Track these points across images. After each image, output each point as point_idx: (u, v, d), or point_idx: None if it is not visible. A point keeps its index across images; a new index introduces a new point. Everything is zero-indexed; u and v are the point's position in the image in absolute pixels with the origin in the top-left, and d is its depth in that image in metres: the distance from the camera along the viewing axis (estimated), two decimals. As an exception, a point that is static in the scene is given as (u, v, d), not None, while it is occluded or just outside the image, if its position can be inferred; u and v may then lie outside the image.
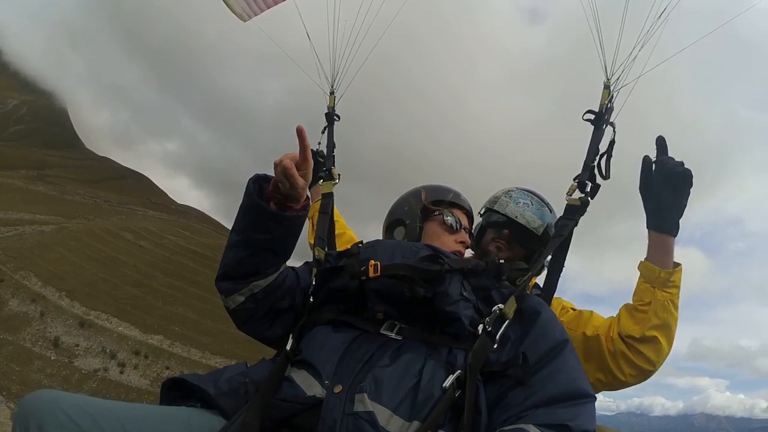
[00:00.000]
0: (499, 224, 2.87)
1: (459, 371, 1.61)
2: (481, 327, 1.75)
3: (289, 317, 2.09)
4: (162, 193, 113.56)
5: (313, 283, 2.13)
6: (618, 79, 2.48)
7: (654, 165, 2.34)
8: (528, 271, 2.09)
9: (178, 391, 1.81)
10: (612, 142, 2.46)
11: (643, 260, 2.40)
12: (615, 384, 2.36)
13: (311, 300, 2.10)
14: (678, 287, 2.34)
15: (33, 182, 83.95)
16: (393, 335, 1.78)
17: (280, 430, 1.59)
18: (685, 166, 2.24)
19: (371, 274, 1.86)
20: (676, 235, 2.32)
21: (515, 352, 1.71)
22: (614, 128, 2.47)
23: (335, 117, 3.18)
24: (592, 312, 2.52)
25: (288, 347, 1.90)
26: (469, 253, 2.62)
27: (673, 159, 2.32)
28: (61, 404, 1.41)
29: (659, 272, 2.30)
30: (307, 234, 3.11)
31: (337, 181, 2.94)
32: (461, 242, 2.36)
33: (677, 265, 2.35)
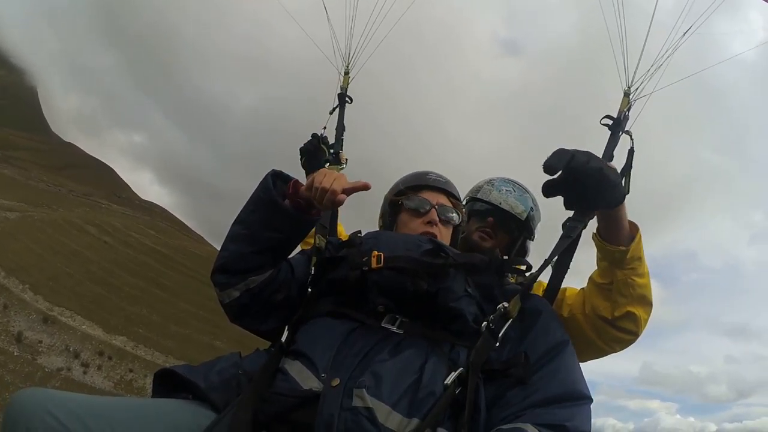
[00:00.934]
0: (482, 212, 2.88)
1: (461, 369, 1.60)
2: (484, 325, 1.73)
3: (285, 309, 2.05)
4: (126, 187, 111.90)
5: (312, 272, 2.10)
6: (637, 89, 2.46)
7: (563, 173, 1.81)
8: (533, 271, 2.09)
9: (170, 383, 1.78)
10: (631, 151, 2.40)
11: (594, 232, 2.16)
12: (601, 354, 2.29)
13: (309, 290, 2.07)
14: (639, 257, 2.12)
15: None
16: (394, 329, 1.75)
17: (275, 425, 1.55)
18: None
19: (374, 265, 1.83)
20: (623, 200, 1.99)
21: (515, 351, 1.71)
22: (632, 137, 2.43)
23: (347, 99, 3.10)
24: (565, 289, 2.35)
25: (283, 339, 1.88)
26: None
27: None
28: (49, 406, 1.40)
29: (614, 252, 2.07)
30: None
31: (344, 165, 2.88)
32: (428, 222, 2.25)
33: (634, 232, 2.09)
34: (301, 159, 3.04)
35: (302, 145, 3.00)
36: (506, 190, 2.92)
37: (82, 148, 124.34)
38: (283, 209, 1.97)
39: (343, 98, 3.09)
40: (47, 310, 46.74)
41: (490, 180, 3.01)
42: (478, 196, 2.94)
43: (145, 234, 68.27)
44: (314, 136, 2.96)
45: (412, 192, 2.36)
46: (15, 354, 42.63)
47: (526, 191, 2.97)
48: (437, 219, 2.26)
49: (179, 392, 1.74)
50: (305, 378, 1.62)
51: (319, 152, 2.94)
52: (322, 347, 1.69)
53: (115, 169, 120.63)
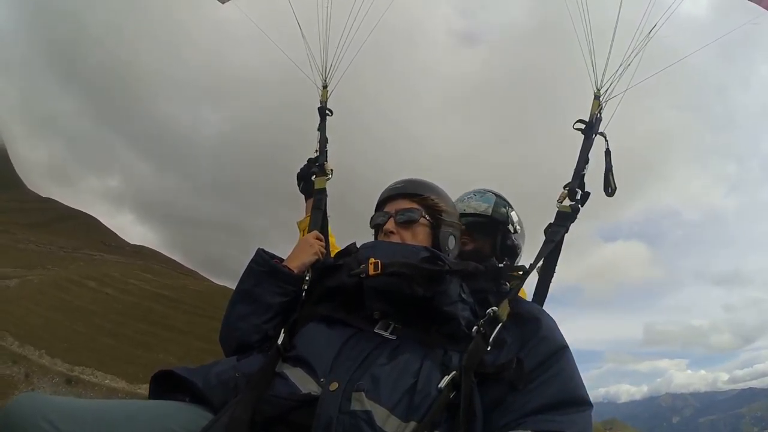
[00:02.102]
0: None
1: (454, 372, 1.60)
2: (475, 329, 1.74)
3: (279, 320, 2.10)
4: (112, 234, 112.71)
5: (307, 278, 2.16)
6: (607, 90, 2.47)
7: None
8: (521, 276, 2.11)
9: (167, 385, 1.80)
10: (608, 153, 2.47)
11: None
12: None
13: (304, 296, 2.12)
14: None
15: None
16: (387, 335, 1.76)
17: (273, 427, 1.57)
18: None
19: (371, 272, 1.83)
20: None
21: (512, 356, 1.69)
22: (606, 138, 2.47)
23: (327, 111, 3.07)
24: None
25: (280, 341, 1.90)
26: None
27: None
28: (44, 411, 1.40)
29: None
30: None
31: (330, 176, 2.85)
32: (384, 233, 2.20)
33: None
34: (298, 184, 3.09)
35: (299, 170, 3.06)
36: (468, 198, 2.99)
37: (60, 201, 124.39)
38: (286, 273, 2.10)
39: (323, 112, 3.07)
40: (68, 371, 48.25)
41: (458, 199, 3.01)
42: None
43: (143, 279, 69.80)
44: (309, 160, 2.99)
45: (377, 211, 2.32)
46: (46, 419, 44.09)
47: (488, 191, 3.01)
48: (390, 228, 2.17)
49: (176, 394, 1.76)
50: (305, 382, 1.63)
51: (311, 175, 2.95)
52: (322, 353, 1.70)
53: (96, 217, 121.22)
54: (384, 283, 1.82)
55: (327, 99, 3.10)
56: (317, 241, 2.34)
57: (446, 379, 1.59)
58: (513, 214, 2.96)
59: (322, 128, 3.05)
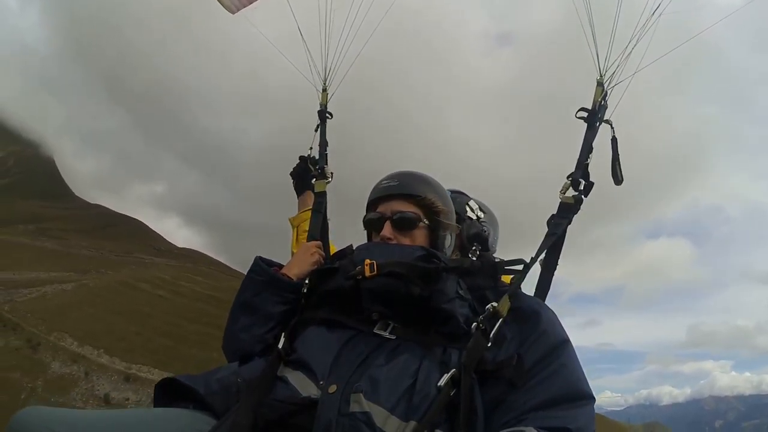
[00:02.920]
0: None
1: (453, 370, 1.58)
2: (474, 325, 1.70)
3: (281, 328, 2.07)
4: (160, 238, 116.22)
5: (306, 282, 2.13)
6: (611, 76, 2.42)
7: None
8: (522, 270, 2.05)
9: (171, 393, 1.79)
10: (614, 140, 2.41)
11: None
12: None
13: (304, 300, 2.10)
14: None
15: (35, 237, 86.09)
16: (387, 335, 1.75)
17: (274, 430, 1.55)
18: None
19: (367, 273, 1.81)
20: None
21: (512, 352, 1.68)
22: (612, 126, 2.41)
23: (327, 114, 3.02)
24: None
25: (280, 345, 1.91)
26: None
27: None
28: (50, 423, 1.41)
29: None
30: (291, 243, 3.13)
31: (330, 179, 2.82)
32: (380, 238, 2.09)
33: None
34: (292, 182, 3.13)
35: (291, 169, 3.10)
36: None
37: (108, 206, 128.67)
38: (285, 282, 2.07)
39: (323, 115, 3.00)
40: (126, 370, 50.32)
41: None
42: None
43: (192, 281, 71.91)
44: (301, 158, 3.02)
45: (370, 208, 2.23)
46: (107, 415, 45.48)
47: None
48: (388, 233, 2.10)
49: (180, 401, 1.76)
50: (305, 386, 1.62)
51: (306, 173, 2.98)
52: (321, 356, 1.69)
53: (144, 221, 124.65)
54: (380, 284, 1.81)
55: (327, 102, 3.02)
56: (317, 249, 2.30)
57: (445, 377, 1.57)
58: (470, 202, 2.80)
59: (322, 131, 2.98)
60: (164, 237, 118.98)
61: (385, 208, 2.13)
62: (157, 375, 49.20)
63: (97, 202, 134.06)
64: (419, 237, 2.10)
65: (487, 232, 2.75)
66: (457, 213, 2.57)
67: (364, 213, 2.25)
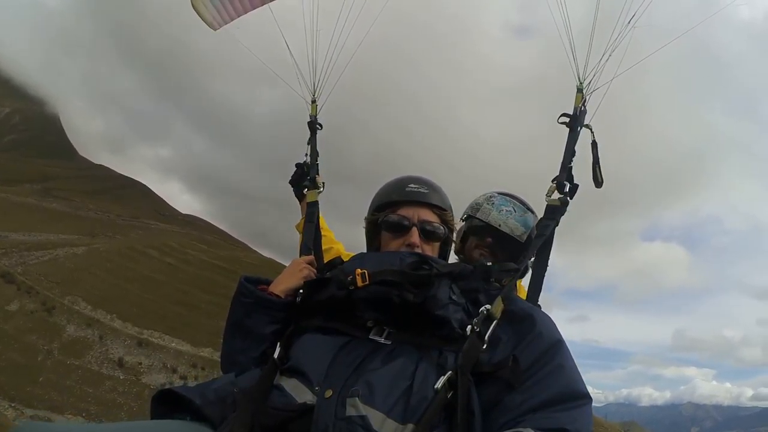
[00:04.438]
0: (482, 232, 2.86)
1: (450, 372, 1.59)
2: (469, 328, 1.72)
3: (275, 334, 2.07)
4: (163, 202, 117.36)
5: (300, 292, 2.11)
6: (590, 83, 2.46)
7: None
8: (514, 273, 2.04)
9: (168, 404, 1.77)
10: (594, 144, 2.45)
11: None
12: None
13: (298, 310, 2.06)
14: None
15: (42, 197, 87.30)
16: (382, 340, 1.75)
17: None
18: None
19: (359, 283, 1.81)
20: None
21: (507, 354, 1.68)
22: (592, 130, 2.45)
23: (318, 126, 3.01)
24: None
25: (276, 355, 1.90)
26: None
27: None
28: None
29: None
30: (298, 250, 2.97)
31: (321, 189, 2.82)
32: (408, 244, 2.08)
33: None
34: (293, 191, 3.12)
35: (290, 178, 3.07)
36: (506, 211, 2.84)
37: (111, 167, 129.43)
38: (273, 301, 2.04)
39: (313, 126, 3.00)
40: (138, 335, 52.26)
41: (490, 198, 2.93)
42: (478, 215, 2.87)
43: (199, 250, 73.48)
44: (297, 165, 3.00)
45: (390, 209, 2.16)
46: (121, 377, 48.00)
47: (528, 209, 2.88)
48: (418, 241, 2.07)
49: (177, 412, 1.74)
50: (300, 392, 1.62)
51: (302, 181, 2.94)
52: (316, 362, 1.69)
53: (147, 184, 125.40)
54: (373, 293, 1.80)
55: (317, 113, 3.04)
56: (307, 265, 2.24)
57: (442, 379, 1.57)
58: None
59: (312, 142, 2.98)
60: (167, 202, 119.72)
61: (412, 213, 2.12)
62: (167, 341, 51.15)
63: (101, 163, 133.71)
64: (436, 249, 2.17)
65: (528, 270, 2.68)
66: (527, 244, 2.70)
67: (374, 209, 2.24)
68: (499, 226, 2.77)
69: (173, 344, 51.30)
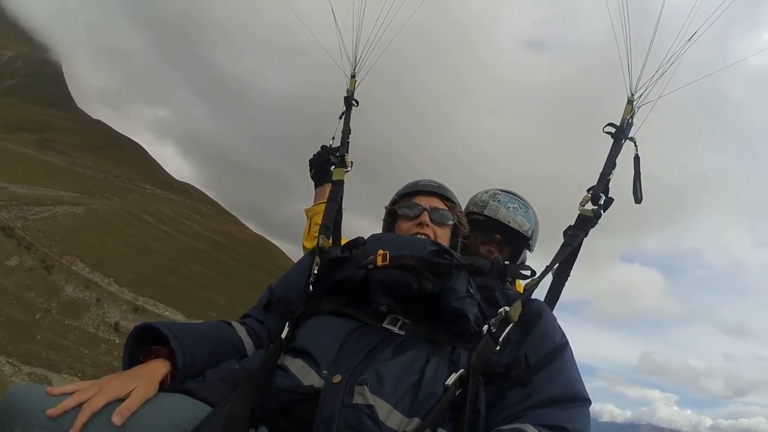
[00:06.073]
0: (489, 228, 2.85)
1: (462, 370, 1.56)
2: (485, 327, 1.69)
3: (282, 317, 2.02)
4: (158, 166, 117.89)
5: (315, 272, 2.07)
6: (641, 96, 2.39)
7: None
8: (536, 277, 2.03)
9: (145, 344, 1.61)
10: (637, 159, 2.38)
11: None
12: None
13: (311, 289, 2.03)
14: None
15: (40, 149, 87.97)
16: (396, 330, 1.71)
17: (274, 420, 1.52)
18: None
19: (379, 262, 1.78)
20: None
21: (516, 354, 1.67)
22: (636, 144, 2.38)
23: (354, 102, 2.88)
24: None
25: (284, 335, 1.88)
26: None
27: None
28: (45, 403, 1.34)
29: None
30: (303, 235, 3.09)
31: (349, 168, 2.71)
32: (419, 224, 2.16)
33: None
34: (310, 170, 3.12)
35: (312, 157, 3.07)
36: (513, 208, 2.86)
37: (108, 123, 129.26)
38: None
39: (349, 101, 2.85)
40: (134, 301, 55.10)
41: (494, 195, 2.92)
42: (486, 212, 2.84)
43: (193, 220, 75.52)
44: (323, 148, 2.97)
45: (405, 199, 2.28)
46: (116, 342, 50.78)
47: (529, 206, 2.91)
48: (428, 220, 2.16)
49: (152, 345, 1.60)
50: (306, 374, 1.56)
51: (327, 164, 2.93)
52: (325, 345, 1.64)
53: (142, 144, 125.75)
54: (391, 276, 1.77)
55: (354, 89, 2.89)
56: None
57: (453, 376, 1.54)
58: (538, 235, 2.96)
59: (346, 118, 2.84)
60: (161, 164, 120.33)
61: (425, 201, 2.23)
62: (161, 309, 53.56)
63: (98, 117, 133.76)
64: (446, 237, 2.21)
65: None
66: (530, 239, 2.83)
67: (391, 202, 2.35)
68: (509, 222, 2.81)
69: (167, 313, 53.48)
